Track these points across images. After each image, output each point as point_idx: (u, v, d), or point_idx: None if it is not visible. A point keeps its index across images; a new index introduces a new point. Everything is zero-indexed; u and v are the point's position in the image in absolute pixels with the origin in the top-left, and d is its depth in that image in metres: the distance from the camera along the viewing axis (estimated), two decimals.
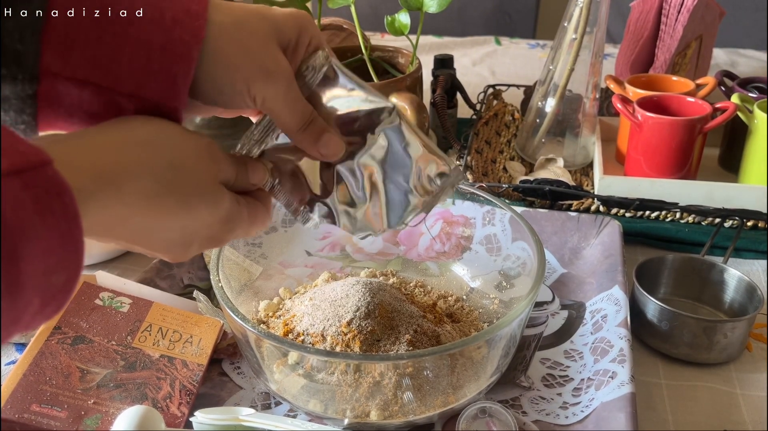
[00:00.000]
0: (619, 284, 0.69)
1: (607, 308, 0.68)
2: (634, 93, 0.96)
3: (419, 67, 0.98)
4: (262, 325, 0.65)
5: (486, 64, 1.50)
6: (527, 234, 0.65)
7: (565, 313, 0.70)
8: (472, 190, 0.72)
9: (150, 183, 0.37)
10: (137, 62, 0.38)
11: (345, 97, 0.45)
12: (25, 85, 0.38)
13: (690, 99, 0.91)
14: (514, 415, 0.56)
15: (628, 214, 0.86)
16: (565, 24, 0.95)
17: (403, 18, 0.94)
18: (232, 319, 0.55)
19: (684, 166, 0.89)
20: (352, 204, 0.48)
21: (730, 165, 0.98)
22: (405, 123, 0.46)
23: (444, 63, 1.09)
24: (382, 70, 1.02)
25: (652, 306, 0.66)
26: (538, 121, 1.00)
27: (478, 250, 0.73)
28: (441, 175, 0.47)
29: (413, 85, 0.95)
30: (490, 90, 1.16)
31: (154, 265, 0.72)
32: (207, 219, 0.41)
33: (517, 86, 1.19)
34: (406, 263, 0.76)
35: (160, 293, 0.68)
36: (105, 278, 0.66)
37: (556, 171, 0.97)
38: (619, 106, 0.90)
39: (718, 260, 0.73)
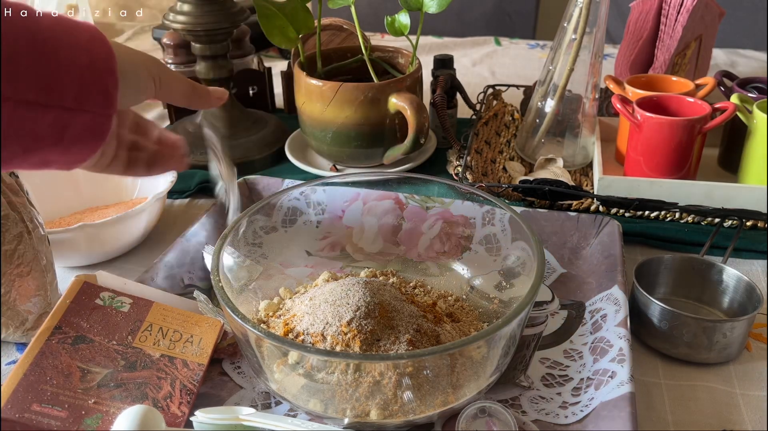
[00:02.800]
0: (619, 284, 0.69)
1: (607, 308, 0.68)
2: (634, 93, 0.96)
3: (419, 68, 0.98)
4: (262, 325, 0.65)
5: (486, 64, 1.50)
6: (527, 234, 0.65)
7: (564, 313, 0.70)
8: (472, 190, 0.72)
9: None
10: (75, 80, 0.43)
11: None
12: None
13: (689, 99, 0.92)
14: (513, 415, 0.56)
15: (627, 214, 0.86)
16: (565, 24, 0.95)
17: (403, 18, 0.94)
18: (232, 319, 0.55)
19: (683, 166, 0.89)
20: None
21: (730, 165, 0.98)
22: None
23: (444, 63, 1.09)
24: (382, 71, 1.02)
25: (652, 306, 0.67)
26: (537, 121, 1.00)
27: (478, 250, 0.73)
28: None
29: (413, 86, 0.96)
30: (490, 90, 1.16)
31: (155, 265, 0.73)
32: None
33: (517, 86, 1.19)
34: (406, 263, 0.76)
35: (161, 293, 0.68)
36: (105, 278, 0.66)
37: (556, 171, 0.97)
38: (618, 106, 0.90)
39: (717, 260, 0.73)
